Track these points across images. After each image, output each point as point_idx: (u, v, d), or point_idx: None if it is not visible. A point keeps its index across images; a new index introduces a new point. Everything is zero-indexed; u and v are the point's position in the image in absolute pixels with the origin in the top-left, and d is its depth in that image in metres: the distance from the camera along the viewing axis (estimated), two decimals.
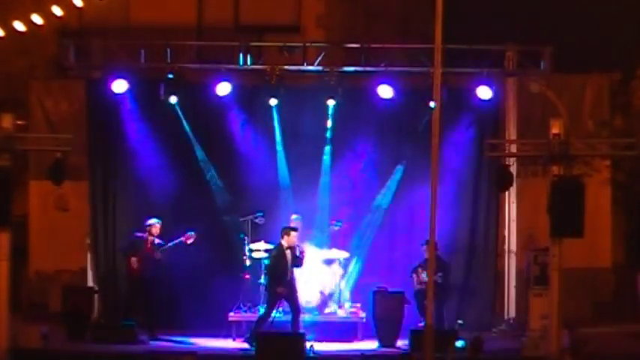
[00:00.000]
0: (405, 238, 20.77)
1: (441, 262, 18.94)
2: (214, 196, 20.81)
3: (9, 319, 17.03)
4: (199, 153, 20.73)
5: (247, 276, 19.67)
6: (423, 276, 19.35)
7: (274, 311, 18.78)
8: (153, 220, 19.49)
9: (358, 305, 20.07)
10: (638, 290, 20.72)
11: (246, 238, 19.96)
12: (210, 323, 19.95)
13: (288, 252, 18.80)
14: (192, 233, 19.31)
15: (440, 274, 19.05)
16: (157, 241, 19.39)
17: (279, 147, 20.67)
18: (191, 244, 19.36)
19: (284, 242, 18.81)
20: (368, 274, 20.43)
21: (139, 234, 19.49)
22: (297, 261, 18.89)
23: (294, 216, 19.95)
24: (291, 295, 18.82)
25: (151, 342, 18.95)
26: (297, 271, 19.16)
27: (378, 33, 21.93)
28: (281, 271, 18.73)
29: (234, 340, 19.30)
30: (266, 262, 19.38)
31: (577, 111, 20.54)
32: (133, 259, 19.25)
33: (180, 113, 20.40)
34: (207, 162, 20.77)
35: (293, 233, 18.83)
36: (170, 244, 19.29)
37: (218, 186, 20.79)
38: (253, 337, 18.16)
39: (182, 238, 19.26)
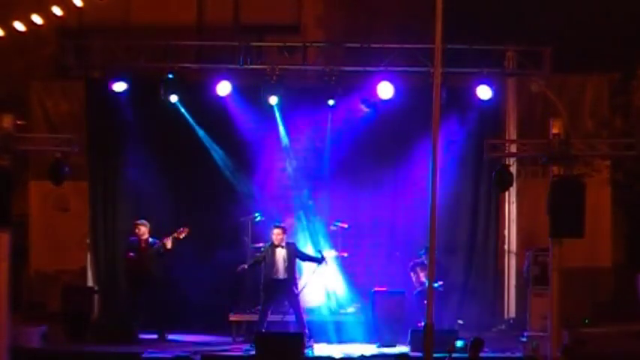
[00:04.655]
0: (405, 238, 20.76)
1: (440, 267, 18.93)
2: (214, 195, 20.82)
3: (9, 319, 17.01)
4: (199, 153, 20.75)
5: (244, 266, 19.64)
6: (422, 277, 19.35)
7: (269, 309, 18.84)
8: (138, 221, 19.60)
9: (358, 305, 20.07)
10: (638, 290, 20.72)
11: (245, 238, 20.04)
12: (210, 323, 19.99)
13: (279, 250, 18.77)
14: (184, 228, 19.35)
15: (441, 282, 19.07)
16: (150, 240, 19.44)
17: (285, 144, 20.66)
18: (184, 238, 19.38)
19: (274, 240, 18.84)
20: (368, 274, 20.43)
21: (132, 237, 19.64)
22: (309, 258, 18.94)
23: (288, 217, 20.02)
24: (288, 295, 18.82)
25: (158, 342, 18.96)
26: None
27: (378, 33, 21.91)
28: (268, 267, 18.73)
29: (234, 340, 19.32)
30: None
31: (577, 111, 20.55)
32: (131, 254, 19.37)
33: (183, 111, 20.40)
34: (207, 162, 20.78)
35: (275, 231, 18.83)
36: (164, 240, 19.31)
37: (218, 185, 20.80)
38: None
39: (174, 234, 19.30)
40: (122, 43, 20.20)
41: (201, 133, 20.56)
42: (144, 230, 19.56)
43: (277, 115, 20.48)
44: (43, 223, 20.77)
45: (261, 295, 18.99)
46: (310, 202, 20.63)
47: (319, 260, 19.04)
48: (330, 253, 20.19)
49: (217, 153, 20.64)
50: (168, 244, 19.27)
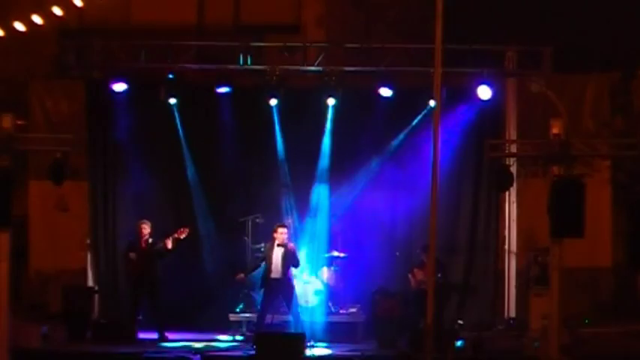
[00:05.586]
0: (405, 238, 20.78)
1: (439, 264, 18.94)
2: (214, 195, 20.83)
3: (9, 319, 17.00)
4: (198, 153, 20.77)
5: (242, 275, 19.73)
6: (420, 276, 19.34)
7: (268, 309, 18.86)
8: (141, 221, 19.56)
9: (358, 305, 20.08)
10: (639, 290, 20.70)
11: (246, 238, 20.07)
12: (211, 323, 20.01)
13: (278, 249, 18.78)
14: (184, 228, 19.33)
15: (439, 274, 19.06)
16: (150, 240, 19.42)
17: (279, 147, 20.67)
18: (184, 238, 19.36)
19: (275, 240, 18.85)
20: (367, 274, 20.45)
21: (133, 238, 19.59)
22: (293, 260, 18.90)
23: (287, 218, 20.03)
24: (287, 295, 18.83)
25: (158, 342, 18.96)
26: (295, 271, 19.22)
27: (378, 33, 21.91)
28: (265, 267, 18.77)
29: (234, 340, 19.34)
30: None
31: (577, 111, 20.52)
32: (132, 254, 19.31)
33: (177, 115, 20.45)
34: (206, 162, 20.81)
35: (280, 230, 18.86)
36: (165, 241, 19.28)
37: (217, 185, 20.82)
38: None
39: (175, 234, 19.28)
40: (122, 44, 20.20)
41: (185, 149, 20.61)
42: (147, 230, 19.53)
43: (275, 115, 20.47)
44: (43, 223, 20.74)
45: (260, 294, 19.03)
46: (309, 203, 20.67)
47: (296, 263, 19.02)
48: (330, 253, 20.26)
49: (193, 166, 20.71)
50: (169, 244, 19.26)
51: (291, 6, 22.66)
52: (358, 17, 22.45)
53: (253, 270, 19.18)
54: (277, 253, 18.81)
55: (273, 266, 18.77)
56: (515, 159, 18.89)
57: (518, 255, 20.73)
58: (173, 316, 19.86)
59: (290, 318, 18.92)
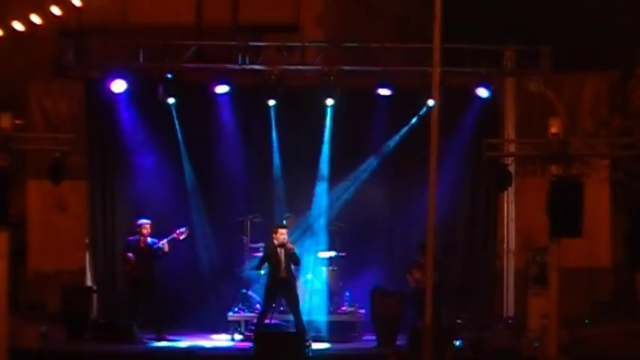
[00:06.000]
0: (404, 237, 20.78)
1: (436, 264, 18.90)
2: (212, 195, 20.83)
3: (8, 319, 16.99)
4: (196, 153, 20.78)
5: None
6: (418, 275, 19.32)
7: (270, 308, 18.85)
8: (143, 221, 19.52)
9: (356, 305, 20.08)
10: (638, 290, 20.70)
11: (244, 238, 20.07)
12: (210, 323, 20.01)
13: (279, 250, 18.79)
14: (184, 229, 19.31)
15: (437, 272, 19.03)
16: (149, 240, 19.39)
17: (275, 146, 20.68)
18: (184, 239, 19.35)
19: (274, 240, 18.84)
20: (366, 273, 20.44)
21: (131, 237, 19.52)
22: (294, 259, 18.89)
23: (286, 214, 20.00)
24: (289, 295, 18.83)
25: (157, 342, 18.96)
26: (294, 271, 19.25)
27: (377, 32, 21.91)
28: (273, 267, 18.75)
29: (232, 339, 19.34)
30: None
31: (576, 110, 20.54)
32: (130, 255, 19.25)
33: (174, 115, 20.45)
34: (204, 162, 20.80)
35: (280, 230, 18.85)
36: (163, 241, 19.25)
37: (216, 185, 20.81)
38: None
39: (174, 235, 19.25)
40: (121, 43, 20.22)
41: (184, 149, 20.62)
42: (148, 230, 19.47)
43: (273, 115, 20.47)
44: (42, 222, 20.74)
45: (264, 294, 19.00)
46: (308, 202, 20.67)
47: (296, 262, 19.01)
48: (329, 253, 20.25)
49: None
50: (166, 247, 19.21)
51: (290, 5, 22.65)
52: (357, 17, 22.44)
53: (259, 268, 19.18)
54: (281, 254, 18.83)
55: (280, 267, 18.76)
56: (513, 158, 18.89)
57: (516, 254, 20.75)
58: (171, 315, 19.88)
59: (290, 317, 18.91)
